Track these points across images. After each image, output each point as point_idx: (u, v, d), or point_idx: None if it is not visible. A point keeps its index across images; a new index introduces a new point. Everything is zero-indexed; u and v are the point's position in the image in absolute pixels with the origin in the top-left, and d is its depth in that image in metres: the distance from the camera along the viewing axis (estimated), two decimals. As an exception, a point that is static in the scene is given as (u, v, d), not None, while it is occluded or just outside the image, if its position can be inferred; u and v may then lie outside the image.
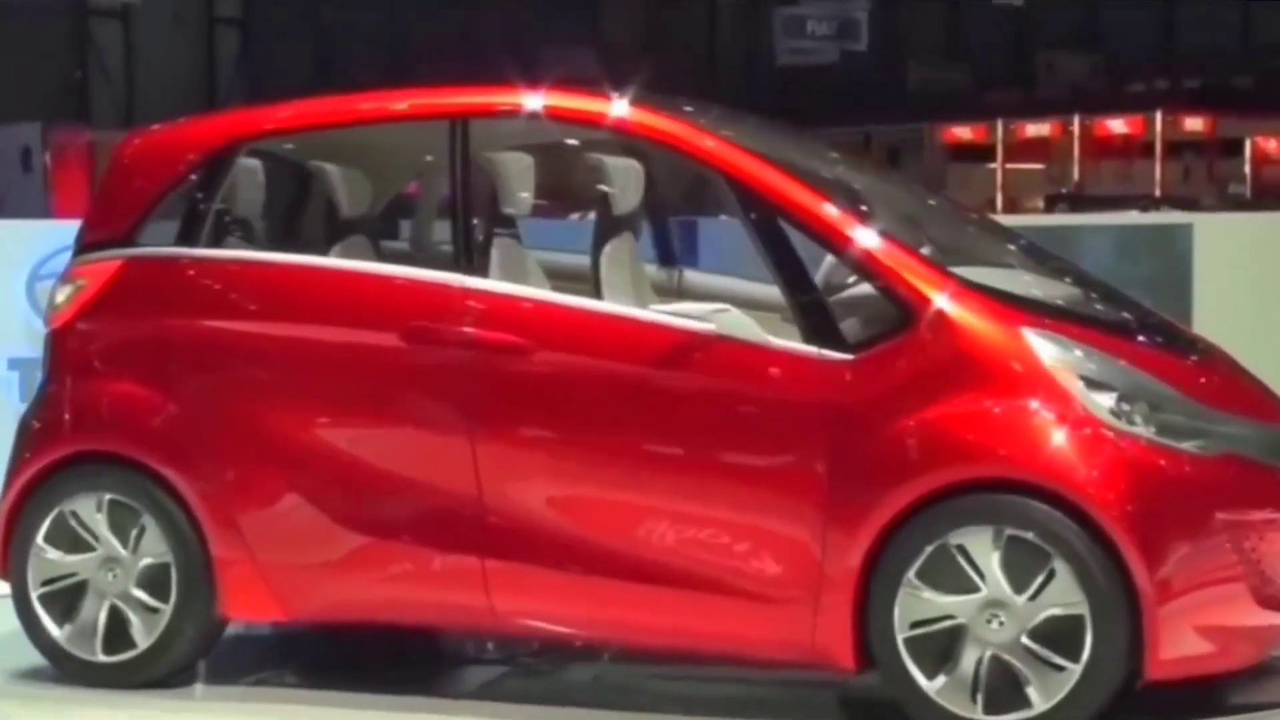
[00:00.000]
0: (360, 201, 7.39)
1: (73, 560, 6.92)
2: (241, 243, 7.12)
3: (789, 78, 29.38)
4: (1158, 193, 30.59)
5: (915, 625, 5.98)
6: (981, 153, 34.71)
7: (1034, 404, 5.99)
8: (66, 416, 7.02)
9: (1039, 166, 34.40)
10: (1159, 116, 32.76)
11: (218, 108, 7.30)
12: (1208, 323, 13.00)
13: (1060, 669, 5.89)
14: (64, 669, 6.91)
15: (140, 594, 6.84)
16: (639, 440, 6.29)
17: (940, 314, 6.09)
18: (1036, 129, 34.59)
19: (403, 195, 7.93)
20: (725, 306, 6.32)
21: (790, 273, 6.26)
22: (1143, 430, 6.01)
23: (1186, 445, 6.04)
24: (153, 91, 32.95)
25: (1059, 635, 5.89)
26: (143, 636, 6.85)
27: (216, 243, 7.02)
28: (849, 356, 6.10)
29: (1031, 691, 5.91)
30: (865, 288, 6.24)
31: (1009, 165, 34.21)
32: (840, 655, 6.07)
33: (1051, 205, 29.47)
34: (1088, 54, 40.28)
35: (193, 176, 7.07)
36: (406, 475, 6.55)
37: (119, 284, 7.01)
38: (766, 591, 6.14)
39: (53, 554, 6.93)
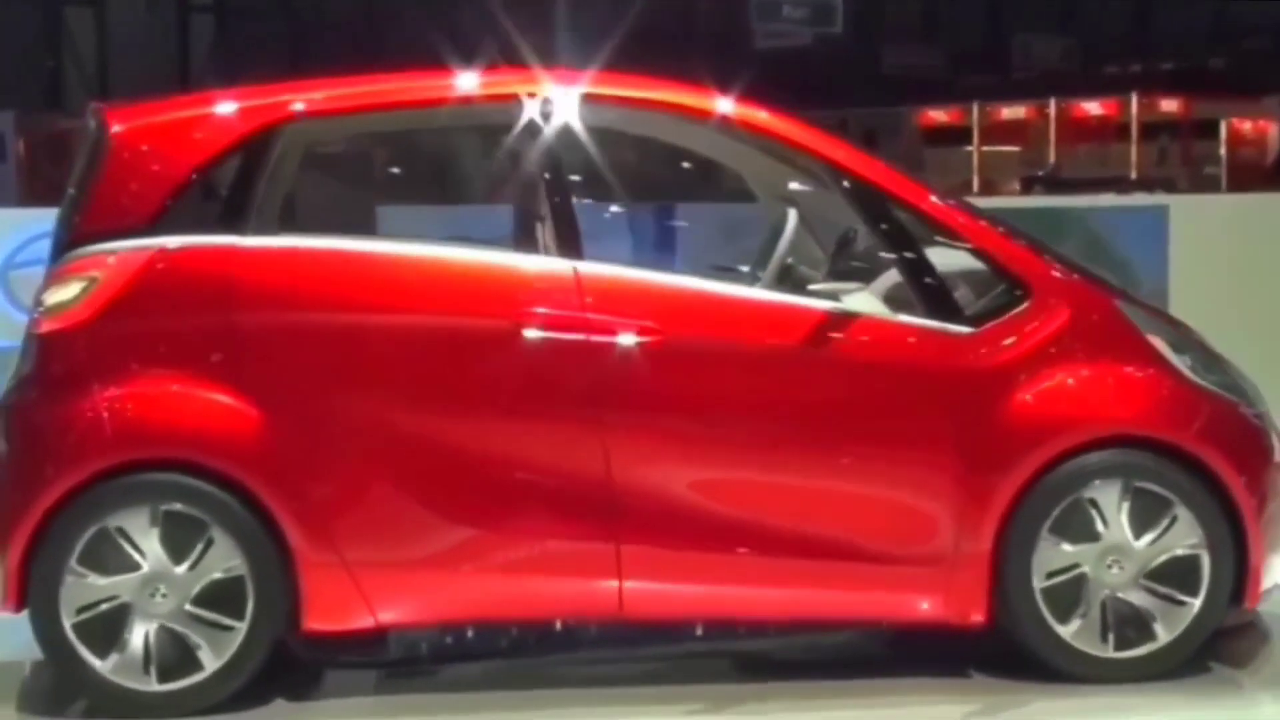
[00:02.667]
0: (431, 185, 7.22)
1: (112, 582, 6.19)
2: (292, 228, 6.59)
3: (765, 61, 29.36)
4: (1133, 175, 30.67)
5: (1050, 575, 6.43)
6: (958, 135, 34.78)
7: (1138, 368, 6.60)
8: (105, 424, 6.23)
9: (1015, 149, 34.46)
10: (1134, 99, 32.84)
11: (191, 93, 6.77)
12: (1183, 302, 13.04)
13: (1182, 604, 6.47)
14: (111, 704, 6.20)
15: (203, 612, 6.19)
16: (775, 419, 6.43)
17: (1050, 291, 6.58)
18: (1012, 112, 34.67)
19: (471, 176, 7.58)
20: (853, 285, 6.59)
21: (908, 255, 6.55)
22: (1214, 387, 6.67)
23: (1239, 400, 6.74)
24: (126, 78, 32.86)
25: (1179, 574, 6.47)
26: (211, 658, 6.21)
27: (265, 229, 6.40)
28: (970, 330, 6.48)
29: (1158, 626, 6.47)
30: (964, 268, 6.65)
31: (985, 148, 34.28)
32: (974, 611, 6.45)
33: (1028, 188, 29.52)
34: (1063, 37, 40.38)
35: (228, 159, 6.52)
36: (525, 464, 6.31)
37: (157, 276, 6.30)
38: (907, 555, 6.44)
39: (92, 577, 6.18)
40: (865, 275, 6.75)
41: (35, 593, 6.18)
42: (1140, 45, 39.00)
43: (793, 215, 6.75)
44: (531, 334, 6.29)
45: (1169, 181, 28.61)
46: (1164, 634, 6.47)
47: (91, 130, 6.69)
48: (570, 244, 6.43)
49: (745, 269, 7.16)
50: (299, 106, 6.59)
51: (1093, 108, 33.83)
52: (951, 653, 6.68)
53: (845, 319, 6.44)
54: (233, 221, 6.40)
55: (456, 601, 6.34)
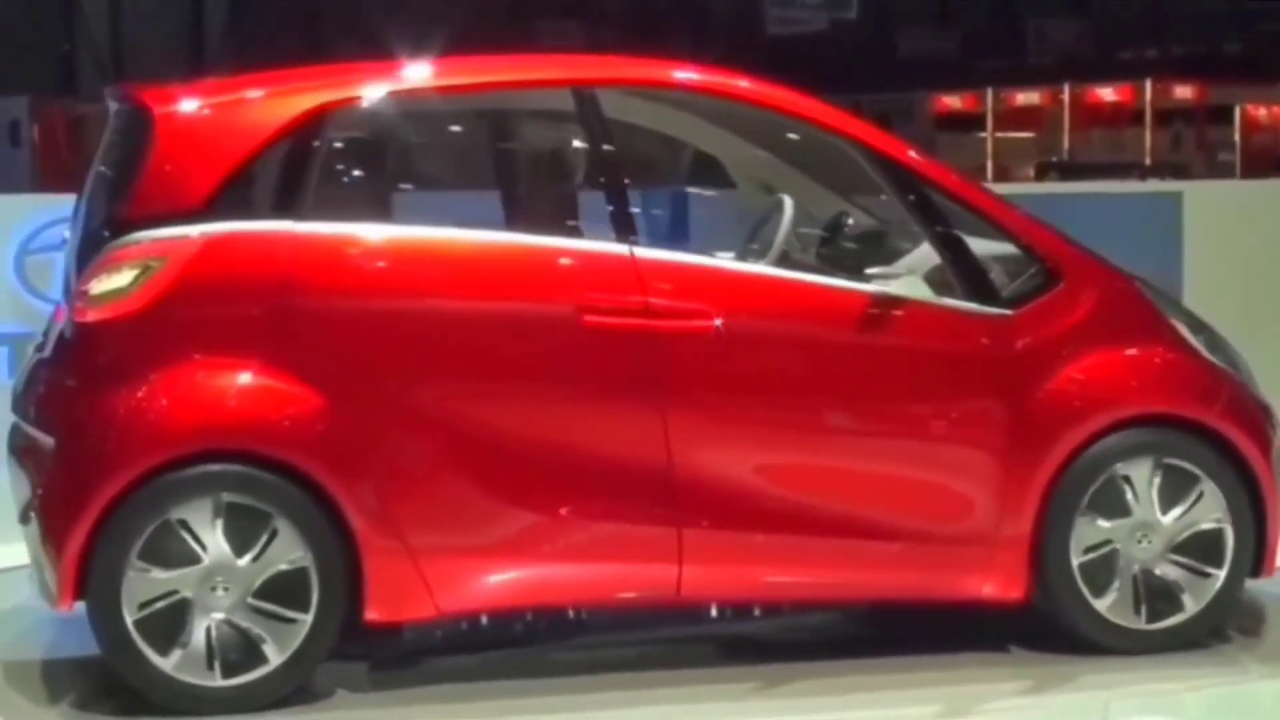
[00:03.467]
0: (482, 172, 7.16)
1: (173, 576, 6.08)
2: (344, 214, 6.49)
3: (778, 47, 29.34)
4: (1148, 160, 30.61)
5: (1086, 551, 6.62)
6: (971, 121, 34.71)
7: (1163, 349, 6.85)
8: (168, 415, 6.11)
9: (1029, 135, 34.39)
10: (1149, 84, 32.76)
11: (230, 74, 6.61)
12: (1197, 289, 13.02)
13: (1207, 575, 6.71)
14: (174, 701, 6.10)
15: (266, 604, 6.11)
16: (830, 402, 6.54)
17: (1080, 274, 6.76)
18: (1026, 97, 34.60)
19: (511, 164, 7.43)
20: (900, 269, 6.66)
21: (948, 238, 6.66)
22: (1225, 366, 6.95)
23: (1244, 379, 7.03)
24: (140, 63, 32.86)
25: (1204, 547, 6.71)
26: (275, 652, 6.14)
27: (318, 214, 6.32)
28: (1009, 312, 6.63)
29: (1185, 598, 6.70)
30: (992, 251, 6.77)
31: (999, 134, 34.22)
32: (1014, 588, 6.60)
33: (1042, 174, 29.47)
34: (1077, 21, 40.27)
35: (280, 143, 6.35)
36: (587, 449, 6.32)
37: (214, 263, 6.18)
38: (955, 535, 6.57)
39: (154, 571, 6.08)
40: (857, 260, 6.78)
41: (95, 588, 6.05)
42: (1155, 30, 38.89)
43: (788, 202, 6.82)
44: (591, 318, 6.30)
45: (1182, 167, 28.55)
46: (1192, 605, 6.71)
47: (122, 112, 6.63)
48: (625, 228, 6.44)
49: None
50: (350, 90, 6.52)
51: (1107, 93, 33.75)
52: (969, 629, 6.81)
53: (895, 302, 6.55)
54: (286, 206, 6.29)
55: (517, 587, 6.32)
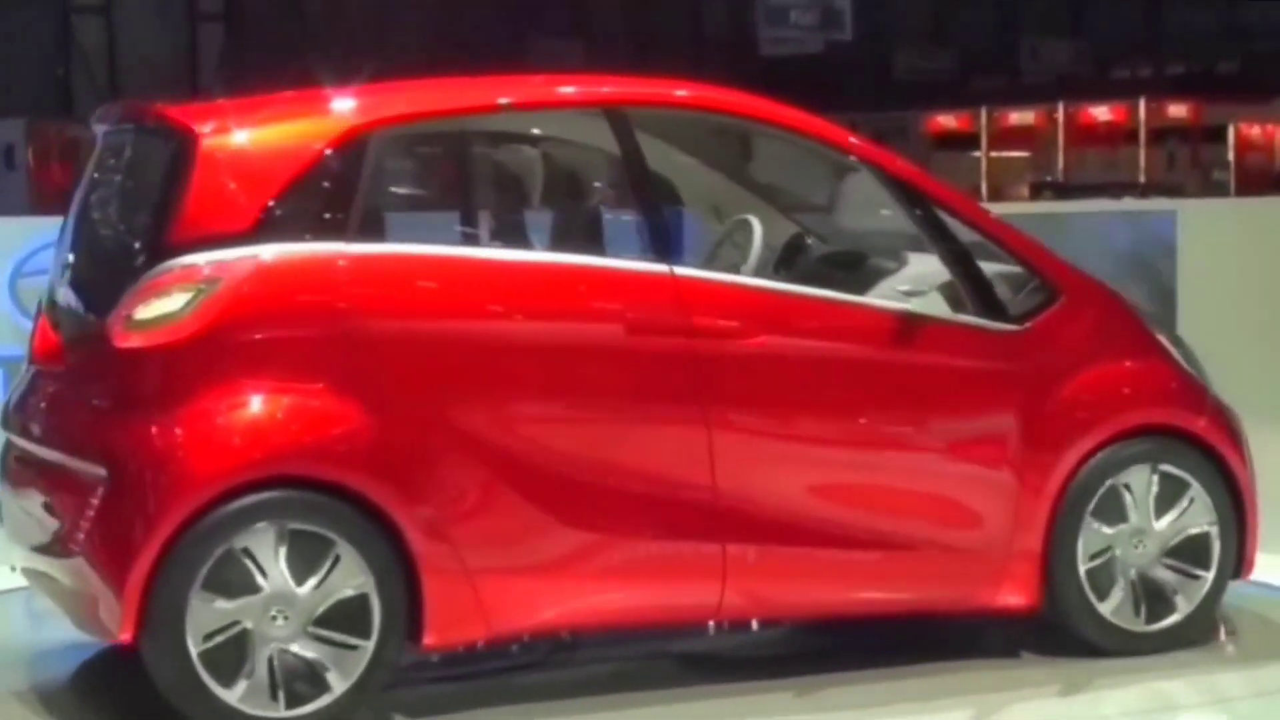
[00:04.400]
0: (515, 192, 7.13)
1: (236, 606, 5.91)
2: (389, 234, 6.49)
3: (773, 67, 29.39)
4: (1142, 179, 30.65)
5: (1092, 558, 6.80)
6: (966, 140, 34.78)
7: (1154, 362, 7.08)
8: (231, 441, 5.96)
9: (1024, 154, 34.44)
10: (1143, 103, 32.82)
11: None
12: (1193, 307, 13.03)
13: (1197, 577, 6.91)
14: None
15: (326, 632, 5.97)
16: (860, 419, 6.62)
17: (1077, 290, 6.95)
18: (1021, 116, 34.66)
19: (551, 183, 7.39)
20: (919, 288, 6.76)
21: (958, 254, 6.78)
22: (1200, 377, 7.16)
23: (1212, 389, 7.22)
24: (135, 87, 32.91)
25: (1193, 551, 6.91)
26: (339, 679, 5.99)
27: (366, 235, 6.24)
28: (1016, 328, 6.79)
29: (1179, 599, 6.90)
30: (993, 269, 6.90)
31: (994, 153, 34.28)
32: (1026, 596, 6.76)
33: (1036, 193, 29.51)
34: (1072, 40, 40.37)
35: (324, 164, 6.23)
36: (636, 468, 6.32)
37: (268, 285, 6.04)
38: (976, 547, 6.71)
39: (218, 602, 5.90)
40: (817, 278, 6.86)
41: (158, 621, 5.85)
42: (1149, 49, 38.99)
43: (756, 222, 6.92)
44: (638, 338, 6.32)
45: (1176, 186, 28.59)
46: (1185, 606, 6.91)
47: (141, 133, 6.57)
48: (664, 248, 6.50)
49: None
50: (390, 109, 6.47)
51: (1101, 112, 33.82)
52: (968, 638, 6.97)
53: (919, 320, 6.66)
54: (334, 227, 6.17)
55: (565, 608, 6.30)
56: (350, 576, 5.99)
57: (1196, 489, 6.94)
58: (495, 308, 6.26)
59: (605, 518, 6.29)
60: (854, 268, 7.01)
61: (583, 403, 6.33)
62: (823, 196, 7.35)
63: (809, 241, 7.06)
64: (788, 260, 7.11)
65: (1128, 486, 6.87)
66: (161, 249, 6.07)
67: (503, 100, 6.76)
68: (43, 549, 6.22)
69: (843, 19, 29.64)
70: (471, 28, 36.54)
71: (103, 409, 6.13)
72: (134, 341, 6.01)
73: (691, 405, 6.36)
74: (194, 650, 5.87)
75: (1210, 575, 6.95)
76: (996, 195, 30.21)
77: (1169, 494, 6.92)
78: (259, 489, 5.93)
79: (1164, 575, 6.91)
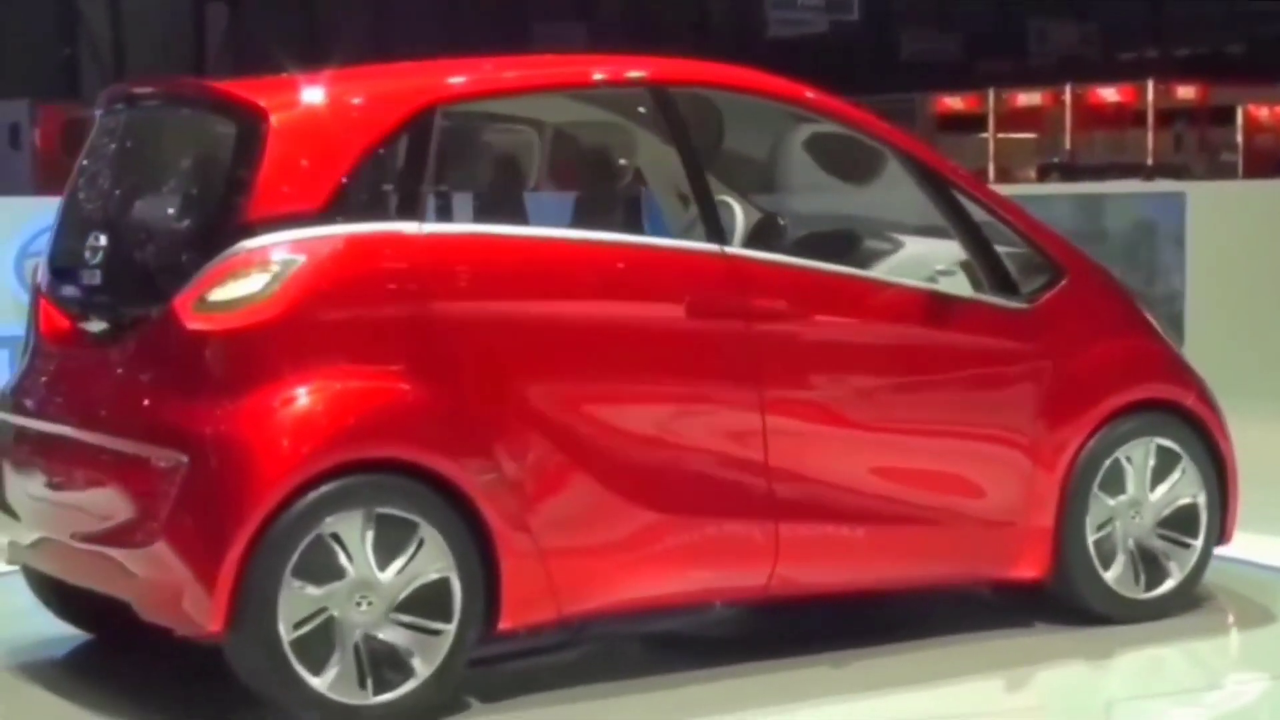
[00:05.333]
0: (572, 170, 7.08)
1: (324, 592, 5.80)
2: (453, 213, 6.42)
3: (779, 49, 29.32)
4: (1149, 161, 30.60)
5: (1098, 529, 7.00)
6: (973, 122, 34.71)
7: (1147, 340, 7.30)
8: (320, 423, 5.83)
9: (1031, 136, 34.38)
10: (1151, 85, 32.75)
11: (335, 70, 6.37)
12: (1201, 289, 13.02)
13: (1187, 546, 7.15)
14: None
15: (409, 617, 5.89)
16: (899, 398, 6.75)
17: (1079, 270, 7.11)
18: (1028, 98, 34.59)
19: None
20: (949, 266, 6.89)
21: (974, 236, 6.93)
22: (1178, 350, 7.41)
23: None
24: (141, 68, 32.88)
25: (1182, 520, 7.15)
26: (422, 664, 5.92)
27: (437, 215, 6.21)
28: (1027, 306, 6.94)
29: (1172, 566, 7.13)
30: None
31: (1001, 135, 34.21)
32: (1038, 568, 6.94)
33: (1044, 175, 29.46)
34: (1079, 22, 40.27)
35: (392, 142, 6.14)
36: (697, 448, 6.37)
37: (347, 266, 5.92)
38: (999, 520, 6.87)
39: (308, 588, 5.78)
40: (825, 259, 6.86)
41: (249, 611, 5.71)
42: (1157, 31, 38.90)
43: (738, 208, 6.96)
44: (698, 319, 6.34)
45: (1184, 168, 28.54)
46: (1177, 573, 7.13)
47: (198, 112, 6.42)
48: (716, 229, 6.51)
49: None
50: (454, 87, 6.41)
51: (1109, 94, 33.75)
52: (973, 611, 7.13)
53: (948, 300, 6.80)
54: (404, 206, 6.08)
55: (630, 588, 6.30)
56: (433, 560, 5.91)
57: (1187, 461, 7.16)
58: (565, 288, 6.23)
59: (669, 498, 6.31)
60: (850, 249, 7.03)
61: (647, 383, 6.35)
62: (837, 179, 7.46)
63: (781, 223, 7.05)
64: (764, 240, 7.03)
65: (1129, 459, 7.07)
66: (232, 229, 5.91)
67: (592, 78, 6.78)
68: (96, 538, 6.02)
69: (849, 0, 29.57)
70: (474, 8, 36.49)
71: (173, 393, 5.91)
72: (208, 324, 5.84)
73: (746, 385, 6.43)
74: (285, 639, 5.75)
75: (1199, 544, 7.18)
76: (1004, 177, 30.15)
77: (1162, 466, 7.14)
78: (347, 473, 5.82)
79: (1158, 544, 7.12)
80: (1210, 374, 7.48)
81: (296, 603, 5.76)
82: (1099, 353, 7.09)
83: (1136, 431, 7.09)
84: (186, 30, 36.10)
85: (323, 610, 5.80)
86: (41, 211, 10.42)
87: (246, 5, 36.94)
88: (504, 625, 6.08)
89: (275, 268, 5.86)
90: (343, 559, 5.81)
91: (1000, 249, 6.99)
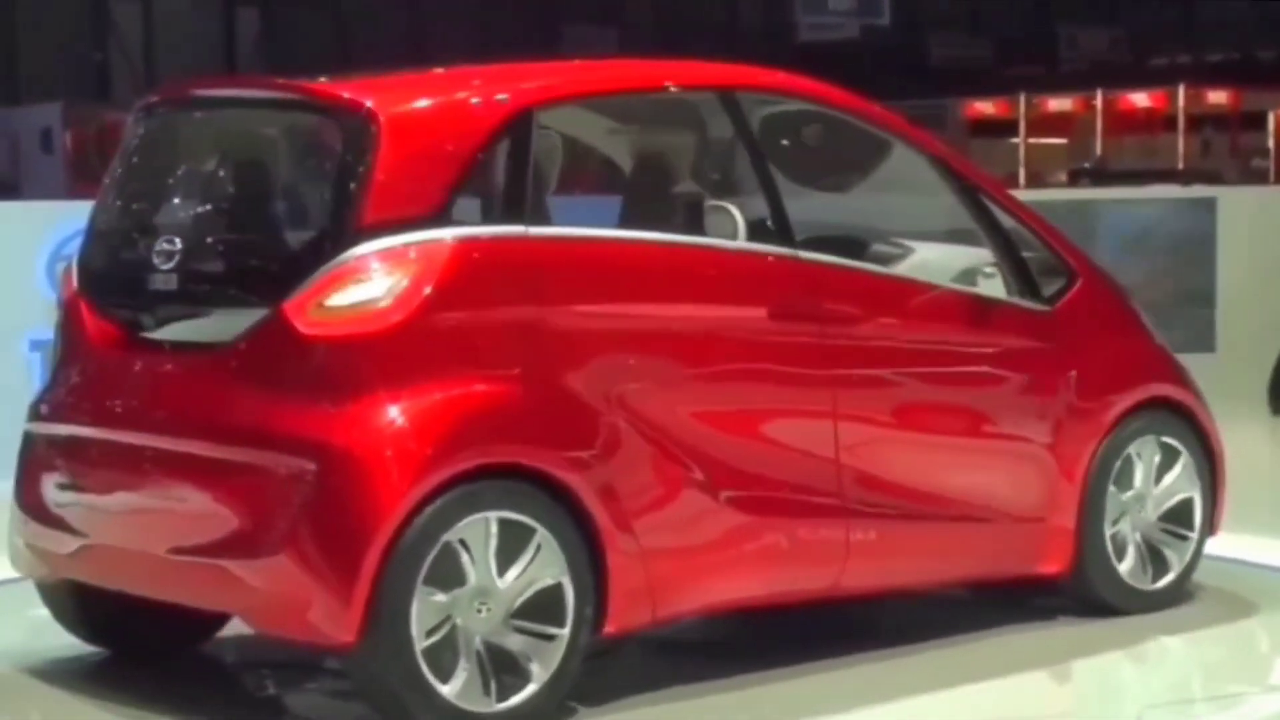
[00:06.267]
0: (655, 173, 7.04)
1: (449, 600, 5.73)
2: (553, 216, 6.37)
3: (810, 53, 29.30)
4: (1180, 166, 30.51)
5: (1114, 524, 7.18)
6: (1004, 127, 34.65)
7: (1145, 339, 7.47)
8: (449, 429, 5.75)
9: (1062, 141, 34.31)
10: (1182, 90, 32.67)
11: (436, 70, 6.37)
12: (1231, 294, 12.99)
13: (1184, 538, 7.35)
14: None
15: (525, 623, 5.84)
16: (952, 400, 6.91)
17: (1088, 273, 7.28)
18: (1059, 103, 34.52)
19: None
20: (990, 269, 7.04)
21: (1002, 240, 7.07)
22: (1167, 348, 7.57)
23: None
24: (173, 71, 32.99)
25: (1179, 514, 7.35)
26: (540, 670, 5.86)
27: (538, 218, 6.14)
28: (1048, 308, 7.12)
29: (1172, 558, 7.34)
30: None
31: (1031, 140, 34.14)
32: (1060, 561, 7.09)
33: (1074, 180, 29.39)
34: (1110, 27, 40.20)
35: (495, 144, 6.06)
36: (780, 449, 6.44)
37: (465, 270, 5.84)
38: (1029, 517, 7.02)
39: (437, 595, 5.70)
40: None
41: (383, 620, 5.60)
42: (1188, 36, 38.82)
43: (734, 209, 6.74)
44: (780, 322, 6.43)
45: (1215, 173, 28.45)
46: (1177, 565, 7.35)
47: (294, 113, 6.28)
48: (787, 233, 6.56)
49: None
50: (551, 88, 6.41)
51: (1140, 99, 33.67)
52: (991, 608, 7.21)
53: (990, 304, 6.97)
54: (510, 209, 6.04)
55: (718, 590, 6.33)
56: (548, 565, 5.86)
57: (1186, 456, 7.36)
58: (662, 292, 6.26)
59: (757, 499, 6.36)
60: (859, 252, 7.05)
61: (736, 385, 6.40)
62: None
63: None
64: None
65: (1139, 455, 7.26)
66: (347, 233, 5.78)
67: (666, 82, 6.82)
68: (199, 549, 5.83)
69: (880, 5, 29.52)
70: (504, 13, 36.53)
71: (291, 399, 5.76)
72: (328, 329, 5.73)
73: (820, 387, 6.53)
74: (418, 647, 5.65)
75: (1195, 536, 7.37)
76: (1035, 182, 30.09)
77: (1164, 462, 7.34)
78: (474, 478, 5.76)
79: (1160, 537, 7.32)
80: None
81: (427, 611, 5.67)
82: (1110, 352, 7.26)
83: (1144, 429, 7.27)
84: (217, 34, 36.20)
85: (448, 618, 5.73)
86: (73, 215, 10.48)
87: (277, 9, 37.03)
88: (608, 630, 6.03)
89: (396, 271, 5.76)
90: (467, 565, 5.75)
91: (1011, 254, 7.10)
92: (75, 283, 6.50)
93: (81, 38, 34.26)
